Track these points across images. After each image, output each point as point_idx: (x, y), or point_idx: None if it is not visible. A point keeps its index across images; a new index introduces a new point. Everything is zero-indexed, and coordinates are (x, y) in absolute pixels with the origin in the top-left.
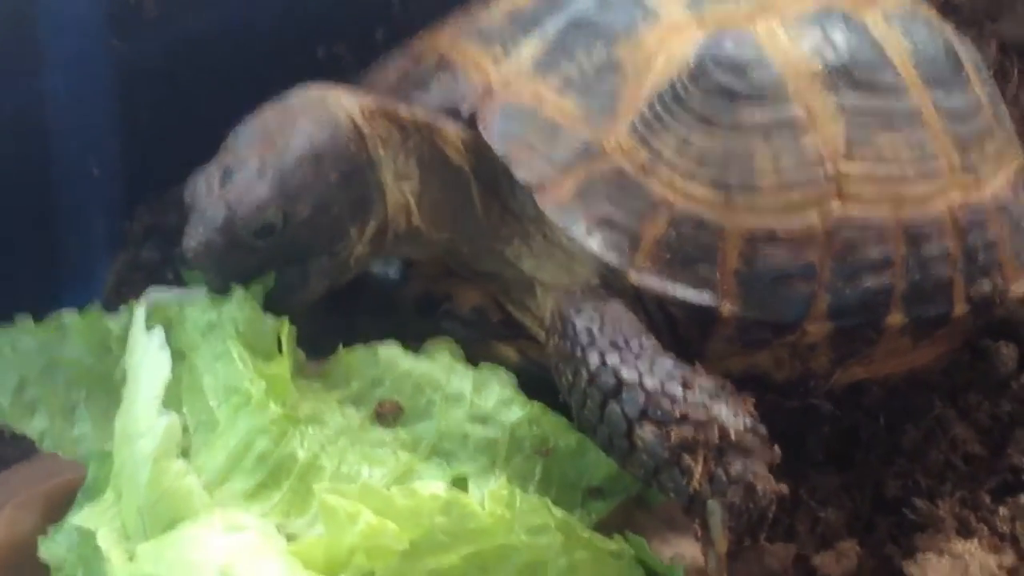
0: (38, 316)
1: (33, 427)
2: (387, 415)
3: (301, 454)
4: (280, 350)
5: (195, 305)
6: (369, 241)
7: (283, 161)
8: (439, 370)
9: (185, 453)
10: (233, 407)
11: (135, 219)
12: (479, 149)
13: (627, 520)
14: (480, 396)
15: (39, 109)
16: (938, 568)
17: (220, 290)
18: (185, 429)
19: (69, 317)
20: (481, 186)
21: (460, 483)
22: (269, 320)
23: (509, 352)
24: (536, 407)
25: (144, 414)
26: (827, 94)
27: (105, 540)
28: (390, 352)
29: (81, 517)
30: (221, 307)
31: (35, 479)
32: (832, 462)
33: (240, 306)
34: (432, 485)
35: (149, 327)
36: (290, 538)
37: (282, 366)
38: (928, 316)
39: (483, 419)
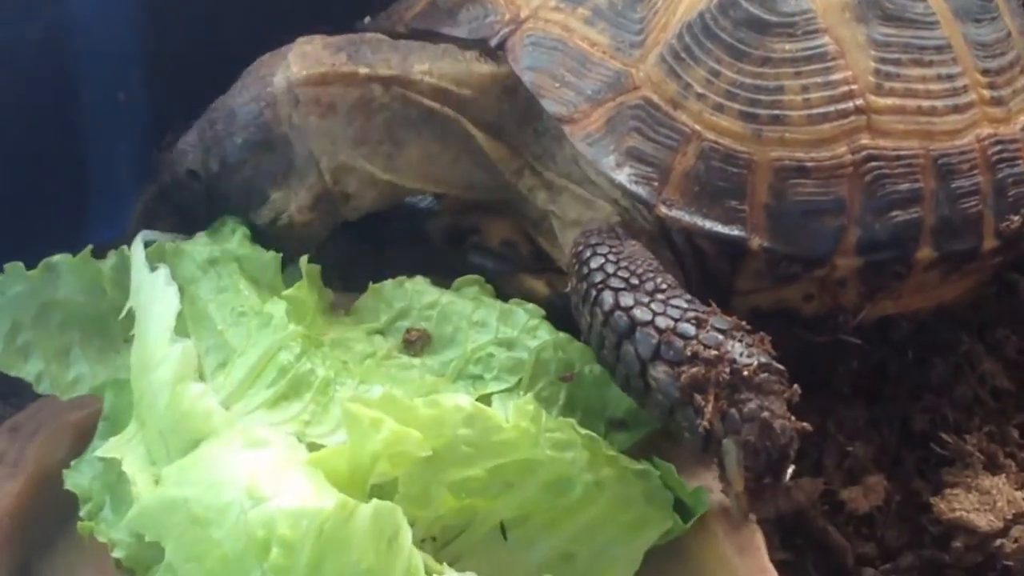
0: (65, 246)
1: (28, 371)
2: (415, 342)
3: (321, 372)
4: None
5: (193, 242)
6: (309, 207)
7: (210, 113)
8: (466, 301)
9: (199, 377)
10: (253, 328)
11: (163, 147)
12: (486, 85)
13: (654, 451)
14: (506, 323)
15: (66, 35)
16: (965, 502)
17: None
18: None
19: (61, 260)
20: (483, 124)
21: (484, 402)
22: (268, 255)
23: (538, 285)
24: (562, 335)
25: (158, 344)
26: (857, 26)
27: (131, 467)
28: (418, 285)
29: (105, 448)
30: (222, 244)
31: (64, 410)
32: (860, 396)
33: (240, 244)
34: (456, 396)
35: (152, 267)
36: (311, 447)
37: (303, 291)
38: (957, 250)
39: (509, 344)
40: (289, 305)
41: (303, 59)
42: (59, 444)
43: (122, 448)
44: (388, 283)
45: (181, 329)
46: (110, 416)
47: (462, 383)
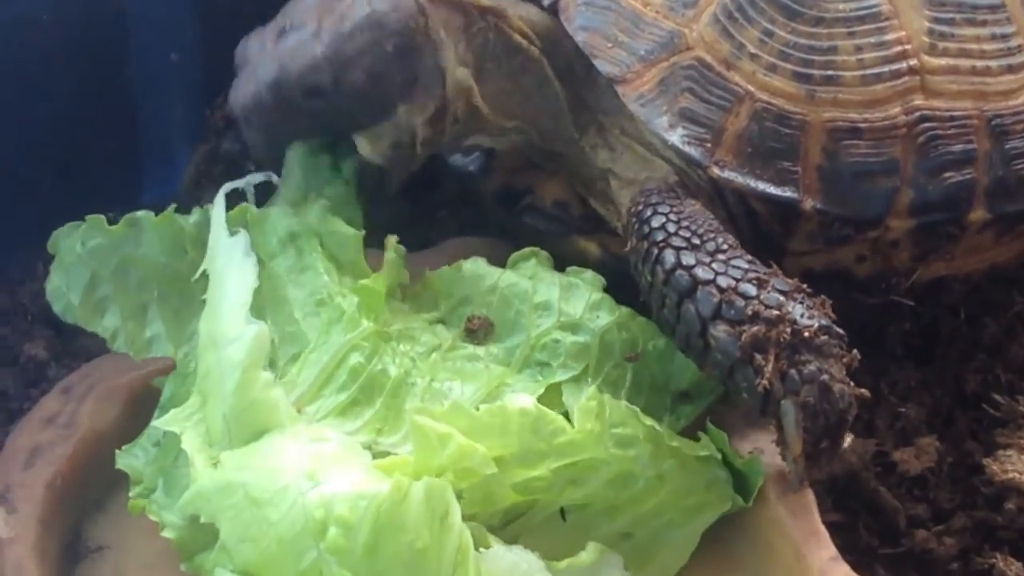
0: (118, 206)
1: (104, 326)
2: (477, 331)
3: (393, 371)
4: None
5: (275, 211)
6: (428, 123)
7: (341, 25)
8: (525, 280)
9: (271, 364)
10: (326, 322)
11: (215, 109)
12: (557, 37)
13: (709, 415)
14: (568, 303)
15: None
16: (1018, 464)
17: (263, 154)
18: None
19: (144, 216)
20: (556, 73)
21: (554, 395)
22: (350, 232)
23: (591, 247)
24: (624, 312)
25: (232, 321)
26: None
27: (190, 444)
28: (475, 268)
29: (165, 420)
30: (303, 216)
31: (117, 371)
32: (912, 357)
33: (322, 218)
34: (520, 399)
35: (232, 231)
36: (381, 455)
37: (378, 282)
38: (1011, 212)
39: (573, 327)
40: (361, 298)
41: None
42: (112, 406)
43: (182, 423)
44: (445, 270)
45: (257, 307)
46: (167, 407)
47: (529, 371)
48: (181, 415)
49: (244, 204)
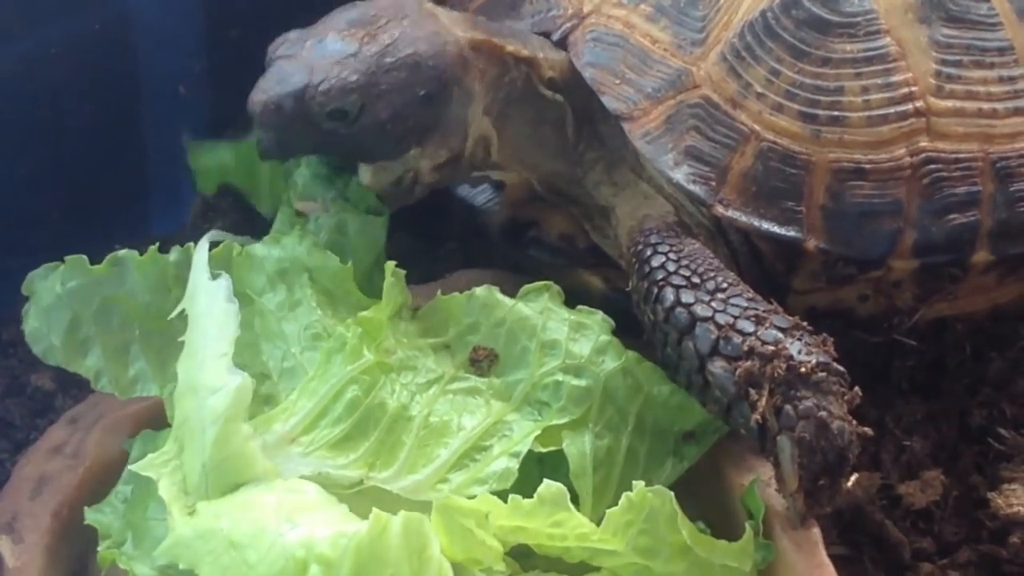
0: (127, 238)
1: (87, 367)
2: (482, 362)
3: (391, 403)
4: (361, 292)
5: (263, 247)
6: (436, 168)
7: (382, 58)
8: (536, 315)
9: (268, 401)
10: (326, 352)
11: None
12: (570, 73)
13: (713, 446)
14: (576, 344)
15: (126, 28)
16: (1023, 498)
17: (270, 154)
18: (266, 376)
19: (127, 255)
20: (573, 112)
21: (552, 435)
22: (337, 264)
23: (595, 280)
24: (631, 356)
25: (214, 370)
26: (920, 27)
27: (166, 492)
28: (487, 296)
29: (141, 465)
30: (291, 251)
31: (124, 402)
32: (918, 391)
33: (309, 252)
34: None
35: (214, 275)
36: (373, 491)
37: (380, 311)
38: (1014, 254)
39: (577, 370)
40: (364, 328)
41: (462, 23)
42: (118, 435)
43: (158, 469)
44: (456, 296)
45: (250, 343)
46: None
47: (528, 409)
48: (157, 461)
49: (228, 242)
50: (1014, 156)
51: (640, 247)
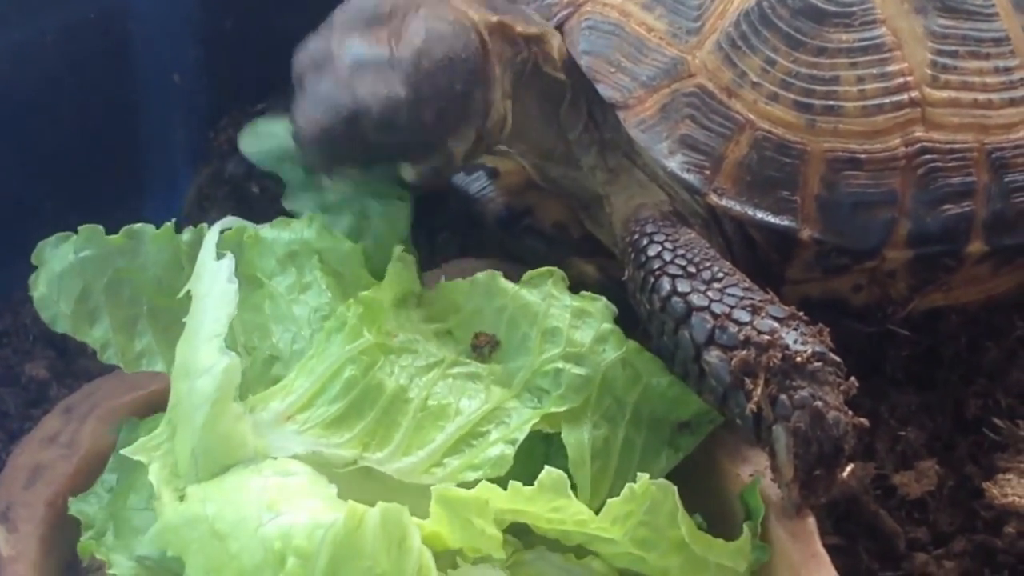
0: (121, 227)
1: (94, 337)
2: (483, 347)
3: (389, 384)
4: (370, 274)
5: (274, 229)
6: (468, 151)
7: (419, 61)
8: (538, 301)
9: (277, 381)
10: (327, 331)
11: (218, 131)
12: (567, 59)
13: (709, 437)
14: (577, 332)
15: (122, 17)
16: (1018, 488)
17: (317, 170)
18: (276, 358)
19: (143, 228)
20: (573, 95)
21: (551, 423)
22: (348, 246)
23: (589, 269)
24: (631, 346)
25: (205, 351)
26: (916, 17)
27: (156, 476)
28: (489, 282)
29: (132, 449)
30: (300, 233)
31: (119, 391)
32: (913, 382)
33: (319, 235)
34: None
35: (220, 254)
36: (366, 472)
37: (382, 292)
38: (1009, 245)
39: (577, 358)
40: (364, 309)
41: (474, 4)
42: (113, 425)
43: (150, 452)
44: (460, 282)
45: (263, 328)
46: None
47: (528, 396)
48: (149, 444)
49: (242, 224)
50: (1009, 147)
51: (636, 236)
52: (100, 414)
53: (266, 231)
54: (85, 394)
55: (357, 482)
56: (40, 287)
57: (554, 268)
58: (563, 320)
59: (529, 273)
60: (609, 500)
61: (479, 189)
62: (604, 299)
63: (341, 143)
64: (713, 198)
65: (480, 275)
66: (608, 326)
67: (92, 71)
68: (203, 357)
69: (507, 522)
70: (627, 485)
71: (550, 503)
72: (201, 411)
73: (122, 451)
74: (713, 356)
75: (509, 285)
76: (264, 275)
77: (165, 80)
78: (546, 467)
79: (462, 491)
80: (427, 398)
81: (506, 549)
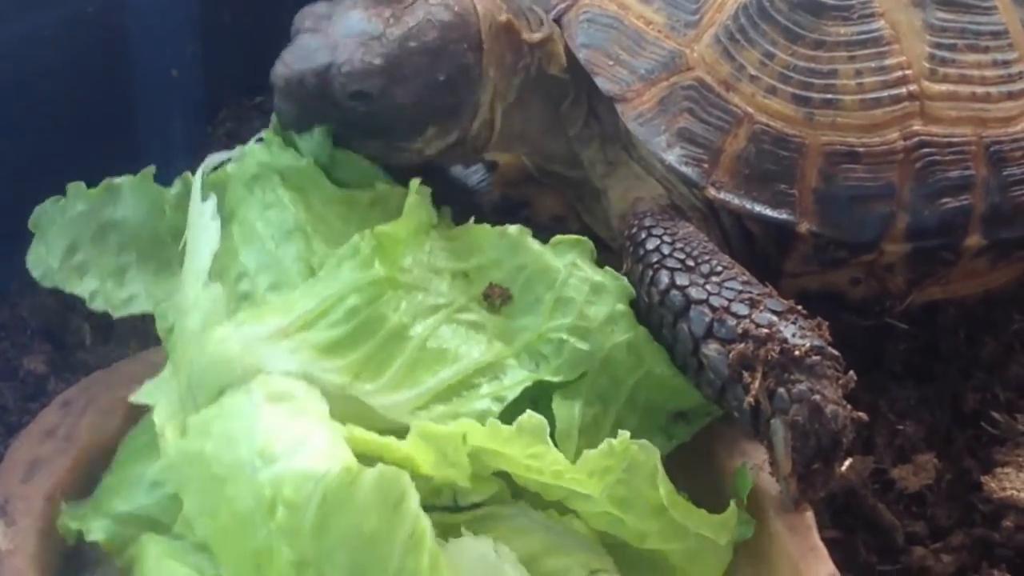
0: None
1: (83, 288)
2: (495, 299)
3: (392, 319)
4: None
5: (239, 159)
6: (441, 151)
7: (406, 40)
8: (560, 267)
9: (247, 297)
10: (338, 257)
11: (216, 125)
12: (570, 55)
13: (707, 430)
14: (591, 307)
15: (119, 11)
16: (1016, 482)
17: (289, 126)
18: (244, 274)
19: (122, 180)
20: (575, 90)
21: (542, 389)
22: (304, 163)
23: None
24: (641, 332)
25: (193, 287)
26: (914, 11)
27: (160, 415)
28: (518, 237)
29: (140, 394)
30: (258, 158)
31: (117, 385)
32: (911, 375)
33: (276, 156)
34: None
35: (204, 196)
36: (351, 401)
37: (399, 227)
38: (1007, 238)
39: (584, 333)
40: (379, 242)
41: (488, 3)
42: (111, 419)
43: (155, 393)
44: (488, 229)
45: (232, 251)
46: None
47: (527, 358)
48: (155, 386)
49: (224, 167)
50: (1007, 140)
51: (634, 230)
52: (98, 408)
53: (229, 167)
54: (83, 388)
55: (345, 406)
56: (35, 249)
57: (583, 238)
58: (580, 292)
59: (558, 237)
60: (586, 451)
61: (478, 181)
62: (626, 280)
63: (312, 99)
64: (711, 191)
65: (511, 228)
66: (622, 307)
67: (90, 65)
68: (190, 293)
69: (489, 468)
70: (606, 440)
71: (528, 448)
72: (192, 344)
73: (131, 398)
74: (711, 349)
75: (536, 246)
76: (234, 203)
77: (163, 74)
78: (528, 411)
79: (442, 427)
80: (427, 339)
81: (489, 488)
